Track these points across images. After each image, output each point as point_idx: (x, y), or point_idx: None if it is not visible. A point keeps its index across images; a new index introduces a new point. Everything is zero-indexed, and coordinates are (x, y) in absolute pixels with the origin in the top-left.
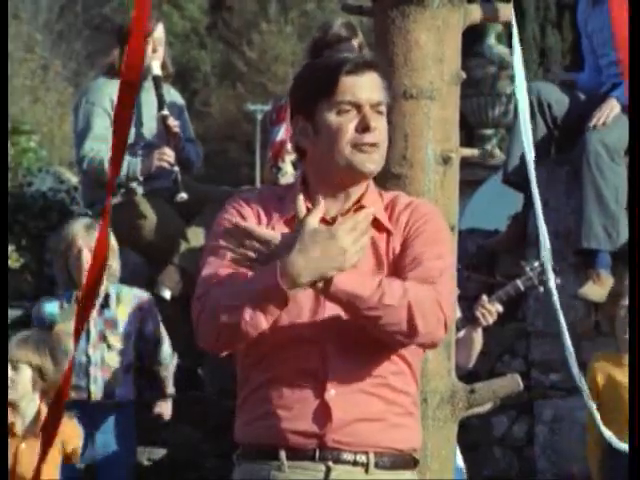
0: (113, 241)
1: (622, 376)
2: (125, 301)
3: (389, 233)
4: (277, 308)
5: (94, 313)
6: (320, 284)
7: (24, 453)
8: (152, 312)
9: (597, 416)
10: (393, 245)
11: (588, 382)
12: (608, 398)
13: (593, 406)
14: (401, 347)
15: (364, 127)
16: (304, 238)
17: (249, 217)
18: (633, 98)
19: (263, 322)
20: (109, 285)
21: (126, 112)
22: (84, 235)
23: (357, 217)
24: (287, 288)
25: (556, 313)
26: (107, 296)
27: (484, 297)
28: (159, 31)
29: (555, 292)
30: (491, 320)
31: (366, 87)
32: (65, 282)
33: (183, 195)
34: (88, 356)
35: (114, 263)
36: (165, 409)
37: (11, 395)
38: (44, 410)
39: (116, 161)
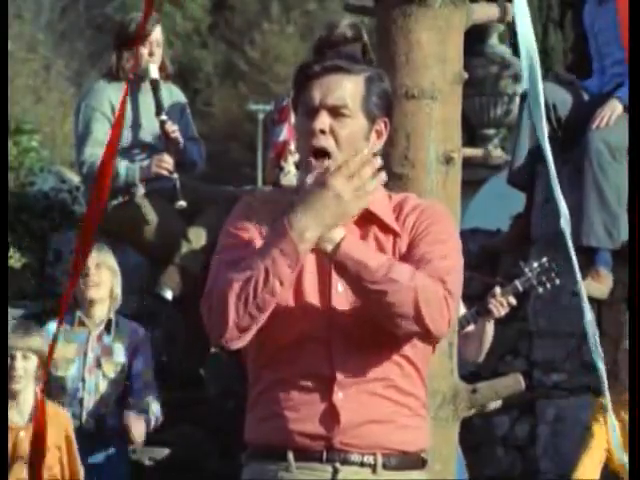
0: (114, 262)
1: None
2: (122, 330)
3: (395, 235)
4: (290, 268)
5: (94, 338)
6: (329, 246)
7: (24, 441)
8: (146, 349)
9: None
10: (399, 246)
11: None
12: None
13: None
14: (406, 338)
15: (310, 130)
16: (305, 193)
17: (258, 219)
18: (633, 98)
19: (278, 286)
20: (112, 312)
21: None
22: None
23: (351, 163)
24: (297, 243)
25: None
26: (109, 323)
27: (497, 289)
28: (157, 33)
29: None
30: (503, 312)
31: (324, 90)
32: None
33: (182, 203)
34: (83, 381)
35: (116, 288)
36: (136, 428)
37: (19, 385)
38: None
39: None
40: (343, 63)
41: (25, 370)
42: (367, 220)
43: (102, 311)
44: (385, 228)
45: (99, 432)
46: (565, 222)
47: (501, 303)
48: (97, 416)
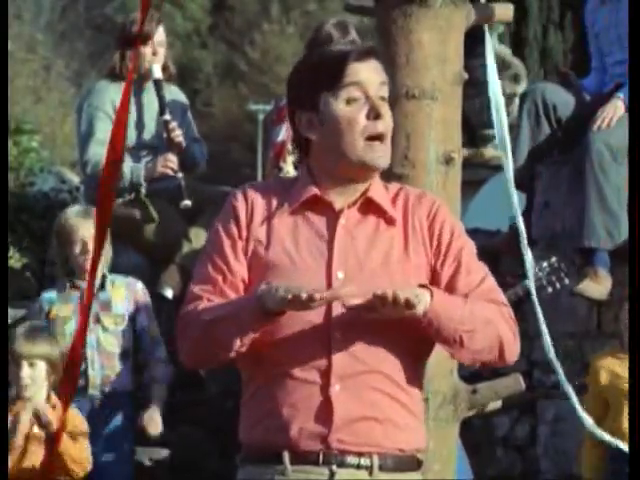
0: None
1: (625, 373)
2: (119, 285)
3: (392, 222)
4: (253, 332)
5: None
6: (421, 309)
7: (31, 441)
8: (146, 302)
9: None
10: (402, 239)
11: (592, 380)
12: (613, 395)
13: (576, 403)
14: (406, 332)
15: (376, 114)
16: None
17: (256, 206)
18: (633, 98)
19: (238, 345)
20: (105, 269)
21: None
22: (84, 224)
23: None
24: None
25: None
26: (103, 278)
27: None
28: (160, 34)
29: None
30: None
31: (372, 74)
32: (63, 271)
33: (187, 203)
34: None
35: (109, 249)
36: (153, 423)
37: (27, 392)
38: (53, 398)
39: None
40: (373, 48)
41: (32, 378)
42: (366, 207)
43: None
44: (386, 218)
45: (106, 395)
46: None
47: None
48: (102, 377)
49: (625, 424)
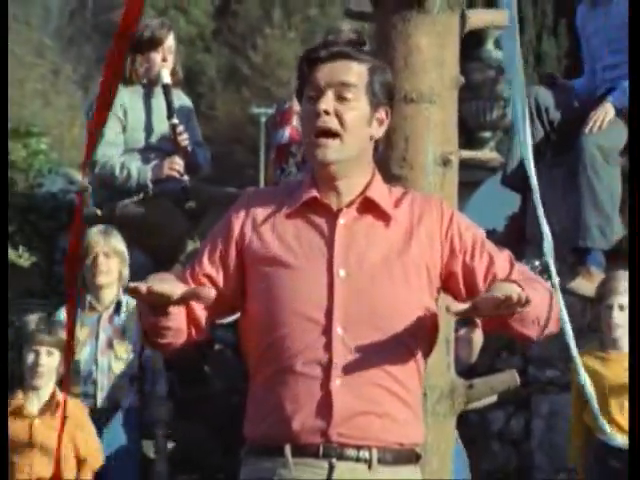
0: (123, 247)
1: (605, 370)
2: (133, 312)
3: (395, 223)
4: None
5: (105, 319)
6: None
7: (38, 429)
8: None
9: (596, 409)
10: (404, 238)
11: (573, 379)
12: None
13: (593, 397)
14: (407, 328)
15: (315, 111)
16: None
17: (256, 210)
18: (633, 97)
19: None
20: (121, 293)
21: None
22: (100, 241)
23: None
24: None
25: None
26: (119, 304)
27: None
28: (170, 40)
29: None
30: None
31: (329, 73)
32: (80, 282)
33: (191, 204)
34: (96, 363)
35: (124, 270)
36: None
37: (40, 381)
38: (56, 390)
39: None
40: (350, 50)
41: (48, 367)
42: (365, 206)
43: (111, 294)
44: (384, 217)
45: (113, 415)
46: (548, 245)
47: None
48: (111, 399)
49: (611, 417)
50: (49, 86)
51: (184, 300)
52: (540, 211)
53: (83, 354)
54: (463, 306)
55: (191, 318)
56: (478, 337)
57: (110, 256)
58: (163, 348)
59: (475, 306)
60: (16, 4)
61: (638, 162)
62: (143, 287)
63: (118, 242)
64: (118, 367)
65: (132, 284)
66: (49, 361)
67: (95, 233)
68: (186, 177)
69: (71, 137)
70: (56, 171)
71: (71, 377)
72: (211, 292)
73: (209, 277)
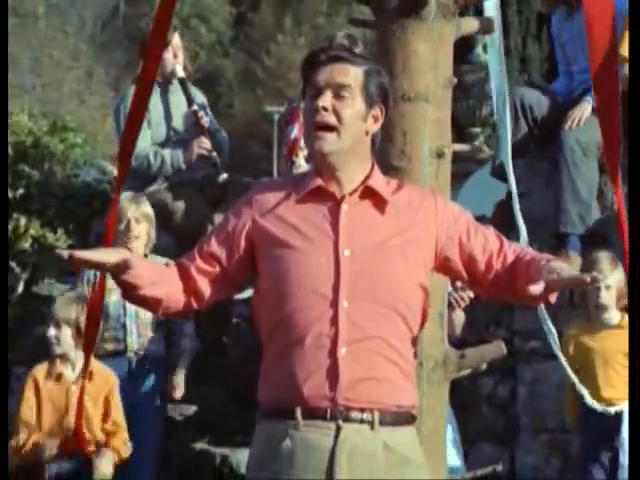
0: (151, 211)
1: (592, 342)
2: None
3: (393, 210)
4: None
5: None
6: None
7: (74, 394)
8: None
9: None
10: (402, 224)
11: (563, 349)
12: (580, 363)
13: (570, 371)
14: (404, 300)
15: (314, 107)
16: None
17: (264, 199)
18: (633, 96)
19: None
20: (147, 249)
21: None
22: (131, 207)
23: None
24: None
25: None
26: (145, 257)
27: (457, 284)
28: (176, 38)
29: None
30: (463, 305)
31: (328, 75)
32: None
33: (224, 175)
34: (124, 308)
35: (152, 232)
36: (177, 388)
37: (58, 350)
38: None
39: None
40: (346, 54)
41: (57, 338)
42: (366, 194)
43: (140, 253)
44: (383, 208)
45: (141, 359)
46: (523, 242)
47: (461, 297)
48: (139, 343)
49: (596, 386)
50: (84, 87)
51: (119, 267)
52: (517, 212)
53: (112, 298)
54: (540, 287)
55: (190, 289)
56: (458, 319)
57: (140, 221)
58: (145, 308)
59: (549, 286)
60: (54, 14)
61: (638, 162)
62: (65, 253)
63: (147, 207)
64: (144, 312)
65: (57, 251)
66: (60, 333)
67: (126, 200)
68: (214, 153)
69: (103, 132)
70: (90, 163)
71: (100, 325)
72: (133, 263)
73: (213, 255)
